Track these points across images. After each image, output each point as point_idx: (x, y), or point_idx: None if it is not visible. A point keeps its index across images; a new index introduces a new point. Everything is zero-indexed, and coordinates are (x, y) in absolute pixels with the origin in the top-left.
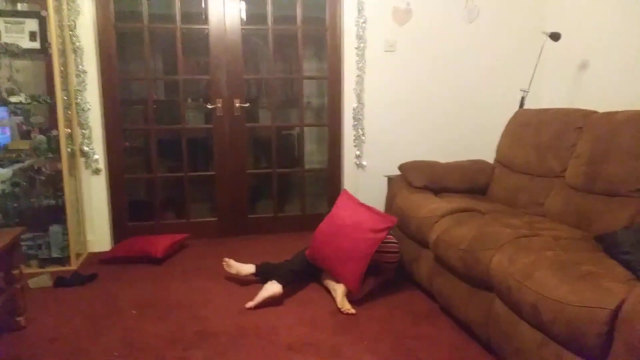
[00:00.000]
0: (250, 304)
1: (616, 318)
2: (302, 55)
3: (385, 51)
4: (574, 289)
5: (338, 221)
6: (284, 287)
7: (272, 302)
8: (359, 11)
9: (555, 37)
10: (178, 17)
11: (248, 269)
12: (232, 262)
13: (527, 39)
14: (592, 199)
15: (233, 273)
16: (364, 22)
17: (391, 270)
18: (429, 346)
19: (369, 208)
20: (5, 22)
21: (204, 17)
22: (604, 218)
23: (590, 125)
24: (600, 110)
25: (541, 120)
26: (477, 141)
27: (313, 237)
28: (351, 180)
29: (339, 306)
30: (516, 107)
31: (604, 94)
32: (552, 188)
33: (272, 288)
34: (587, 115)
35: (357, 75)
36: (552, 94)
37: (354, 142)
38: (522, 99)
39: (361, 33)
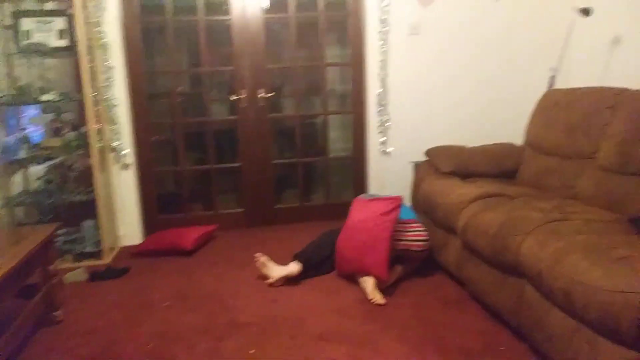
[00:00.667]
0: (270, 280)
1: None
2: (324, 42)
3: (410, 34)
4: (607, 273)
5: (350, 223)
6: (303, 266)
7: (288, 281)
8: None
9: (586, 12)
10: (201, 9)
11: (292, 268)
12: (270, 264)
13: (557, 15)
14: (626, 180)
15: (274, 278)
16: (387, 5)
17: (419, 260)
18: (458, 333)
19: (375, 199)
20: (35, 22)
21: (225, 7)
22: (638, 200)
23: (623, 103)
24: (633, 88)
25: (571, 100)
26: (506, 123)
27: (336, 255)
28: (376, 167)
29: (370, 297)
30: (545, 88)
31: (637, 72)
32: (583, 170)
33: (289, 268)
34: (619, 93)
35: (381, 60)
36: (582, 73)
37: (379, 128)
38: (552, 78)
39: (384, 17)
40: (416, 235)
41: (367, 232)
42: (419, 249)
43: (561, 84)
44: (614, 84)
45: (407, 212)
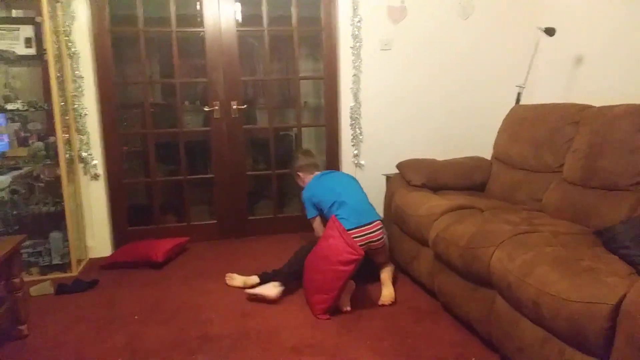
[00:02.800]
0: (249, 291)
1: (617, 313)
2: (298, 56)
3: (381, 50)
4: (574, 284)
5: (317, 250)
6: (283, 289)
7: (265, 300)
8: (354, 10)
9: (550, 32)
10: (173, 20)
11: (253, 279)
12: (235, 275)
13: (522, 34)
14: (590, 193)
15: (239, 286)
16: (359, 21)
17: (383, 254)
18: (431, 344)
19: (345, 236)
20: (0, 29)
21: (199, 19)
22: (602, 212)
23: (587, 119)
24: (596, 105)
25: (537, 116)
26: (475, 138)
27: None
28: None
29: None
30: (512, 103)
31: (599, 89)
32: (549, 183)
33: (271, 291)
34: (583, 109)
35: (354, 75)
36: (547, 90)
37: (352, 141)
38: (519, 94)
39: (356, 32)
40: (373, 236)
41: (322, 274)
42: (379, 246)
43: (527, 99)
44: (577, 101)
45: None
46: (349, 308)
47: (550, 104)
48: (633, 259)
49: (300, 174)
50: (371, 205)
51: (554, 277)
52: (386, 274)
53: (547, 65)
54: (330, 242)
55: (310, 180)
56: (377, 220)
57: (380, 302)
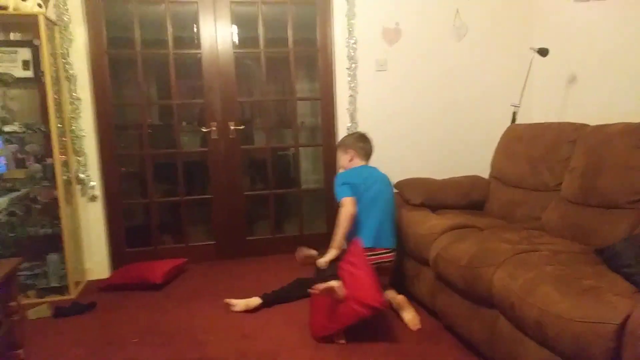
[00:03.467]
0: (232, 301)
1: (623, 333)
2: (294, 77)
3: (377, 71)
4: (577, 304)
5: (343, 273)
6: (263, 303)
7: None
8: (349, 32)
9: (543, 52)
10: (170, 43)
11: (254, 301)
12: (234, 301)
13: (516, 55)
14: (589, 211)
15: (243, 310)
16: (355, 43)
17: (389, 275)
18: None
19: (371, 275)
20: None
21: (196, 41)
22: (601, 231)
23: (583, 138)
24: (591, 123)
25: (533, 135)
26: (472, 157)
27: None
28: None
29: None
30: (508, 123)
31: (593, 108)
32: (548, 202)
33: (251, 301)
34: (579, 128)
35: (350, 95)
36: (542, 109)
37: None
38: (514, 114)
39: (352, 53)
40: (385, 257)
41: (334, 304)
42: (390, 266)
43: (523, 118)
44: (572, 119)
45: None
46: (343, 341)
47: (546, 123)
48: (636, 278)
49: (352, 152)
50: (394, 227)
51: (557, 296)
52: (403, 297)
53: (542, 85)
54: (357, 274)
55: (356, 166)
56: (394, 248)
57: (414, 327)
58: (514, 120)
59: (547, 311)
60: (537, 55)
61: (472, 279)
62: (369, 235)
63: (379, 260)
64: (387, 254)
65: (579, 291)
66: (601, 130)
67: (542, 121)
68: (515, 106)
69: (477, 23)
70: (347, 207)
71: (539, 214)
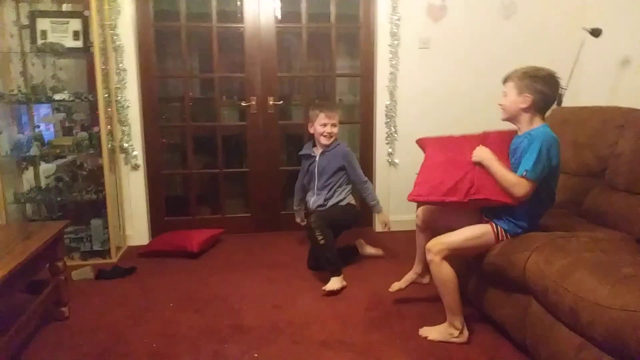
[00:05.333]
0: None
1: None
2: (335, 53)
3: (420, 48)
4: (614, 291)
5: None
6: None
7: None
8: (393, 8)
9: (595, 33)
10: (214, 16)
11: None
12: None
13: (566, 35)
14: (634, 199)
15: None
16: (398, 19)
17: None
18: (462, 347)
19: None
20: (51, 22)
21: (239, 15)
22: None
23: (632, 123)
24: None
25: (579, 118)
26: None
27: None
28: (383, 177)
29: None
30: (554, 105)
31: None
32: (591, 188)
33: (335, 284)
34: (628, 113)
35: (390, 73)
36: (591, 92)
37: (386, 139)
38: (560, 96)
39: (395, 30)
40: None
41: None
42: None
43: (570, 101)
44: (622, 104)
45: None
46: (427, 281)
47: (593, 107)
48: None
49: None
50: None
51: (593, 283)
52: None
53: (592, 67)
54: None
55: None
56: None
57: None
58: (560, 103)
59: (582, 297)
60: (588, 36)
61: (506, 264)
62: None
63: None
64: None
65: (616, 279)
66: None
67: (591, 105)
68: (562, 88)
69: (526, 1)
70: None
71: (581, 199)
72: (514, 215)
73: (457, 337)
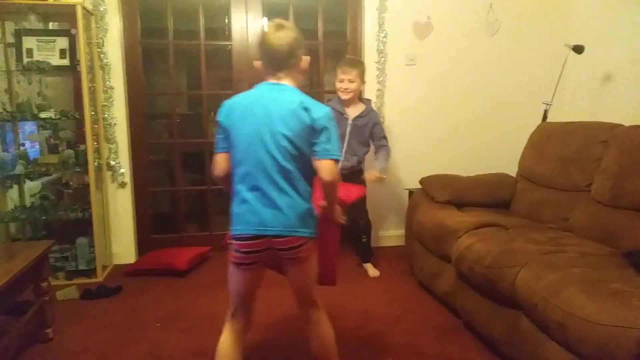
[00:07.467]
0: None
1: None
2: (323, 70)
3: (406, 65)
4: (603, 307)
5: None
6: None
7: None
8: (380, 26)
9: (578, 49)
10: (202, 34)
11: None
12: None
13: (550, 51)
14: (619, 214)
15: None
16: (385, 37)
17: None
18: None
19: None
20: (37, 41)
21: (227, 33)
22: (631, 234)
23: (616, 138)
24: (625, 124)
25: (565, 134)
26: (500, 154)
27: None
28: (372, 191)
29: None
30: (539, 121)
31: (628, 108)
32: (577, 202)
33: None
34: (613, 128)
35: (378, 89)
36: (575, 107)
37: (375, 154)
38: (545, 112)
39: (382, 47)
40: None
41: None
42: None
43: (554, 117)
44: (606, 119)
45: None
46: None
47: (578, 122)
48: None
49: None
50: None
51: (582, 299)
52: None
53: (575, 83)
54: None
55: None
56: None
57: None
58: (545, 118)
59: (571, 313)
60: (571, 53)
61: (496, 278)
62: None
63: None
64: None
65: (604, 294)
66: (635, 131)
67: (575, 120)
68: (546, 104)
69: (510, 18)
70: None
71: (567, 214)
72: None
73: None
